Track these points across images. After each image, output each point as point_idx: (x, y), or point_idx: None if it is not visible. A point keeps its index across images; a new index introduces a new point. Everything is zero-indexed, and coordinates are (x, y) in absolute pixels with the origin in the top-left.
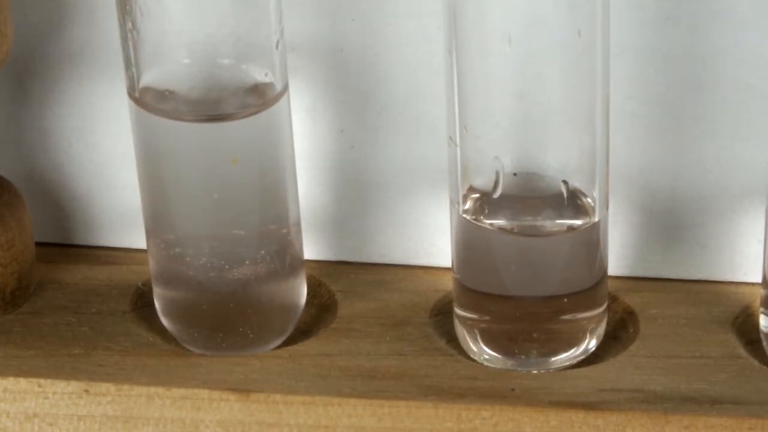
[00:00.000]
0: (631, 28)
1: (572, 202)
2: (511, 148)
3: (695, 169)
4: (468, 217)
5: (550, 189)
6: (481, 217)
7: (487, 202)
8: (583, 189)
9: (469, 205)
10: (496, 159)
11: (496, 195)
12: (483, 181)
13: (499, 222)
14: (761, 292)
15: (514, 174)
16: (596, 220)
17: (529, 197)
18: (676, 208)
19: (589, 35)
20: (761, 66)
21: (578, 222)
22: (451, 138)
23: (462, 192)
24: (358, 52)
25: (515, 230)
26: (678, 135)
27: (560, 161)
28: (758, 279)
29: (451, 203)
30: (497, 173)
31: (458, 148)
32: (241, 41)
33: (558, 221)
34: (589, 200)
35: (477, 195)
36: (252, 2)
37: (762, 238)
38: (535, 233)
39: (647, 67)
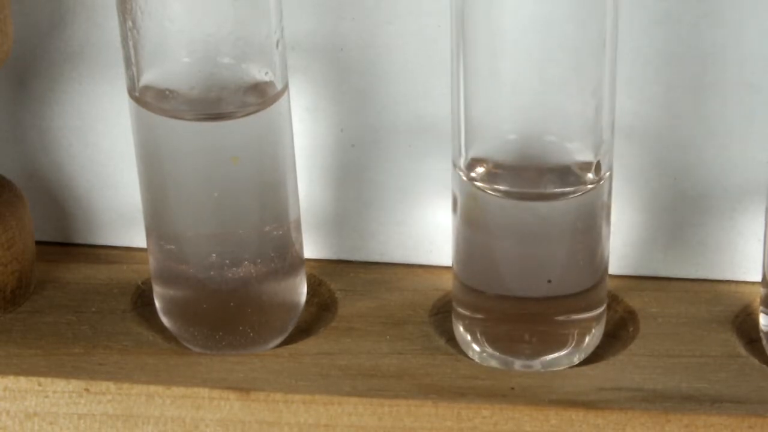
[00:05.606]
0: (632, 28)
1: (576, 170)
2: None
3: (695, 169)
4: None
5: (554, 159)
6: (485, 185)
7: (491, 170)
8: (586, 159)
9: (473, 173)
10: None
11: (500, 163)
12: (487, 149)
13: (503, 188)
14: (761, 290)
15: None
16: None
17: (532, 166)
18: (676, 207)
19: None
20: (762, 65)
21: (581, 189)
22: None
23: (466, 161)
24: (358, 52)
25: (518, 196)
26: (678, 135)
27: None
28: (758, 278)
29: (454, 168)
30: (501, 142)
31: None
32: (241, 40)
33: (561, 189)
34: (592, 171)
35: (481, 164)
36: (252, 1)
37: (762, 237)
38: (538, 199)
39: (647, 67)
